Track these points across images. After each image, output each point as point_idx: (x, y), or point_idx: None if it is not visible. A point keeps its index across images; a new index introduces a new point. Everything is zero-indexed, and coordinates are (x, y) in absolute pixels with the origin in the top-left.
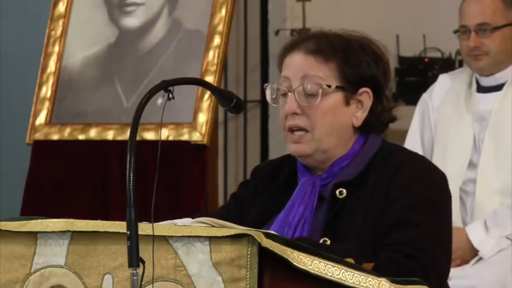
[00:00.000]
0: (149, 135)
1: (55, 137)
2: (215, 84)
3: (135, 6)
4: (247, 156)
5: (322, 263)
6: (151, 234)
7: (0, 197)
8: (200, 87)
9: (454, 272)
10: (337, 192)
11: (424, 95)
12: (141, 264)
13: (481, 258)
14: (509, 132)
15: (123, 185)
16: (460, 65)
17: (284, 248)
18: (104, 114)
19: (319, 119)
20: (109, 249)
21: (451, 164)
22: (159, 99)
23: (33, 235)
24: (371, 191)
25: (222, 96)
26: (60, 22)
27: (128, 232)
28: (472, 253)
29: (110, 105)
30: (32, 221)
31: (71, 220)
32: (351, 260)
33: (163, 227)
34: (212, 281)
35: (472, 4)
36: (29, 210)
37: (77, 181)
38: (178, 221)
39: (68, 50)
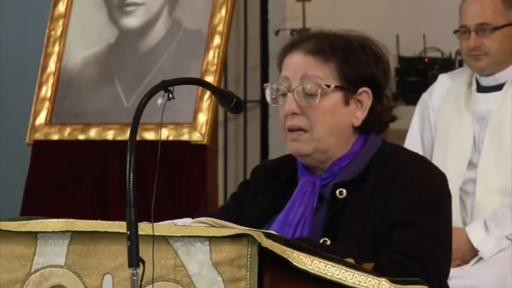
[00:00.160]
0: (149, 135)
1: (55, 137)
2: (215, 84)
3: (135, 6)
4: (247, 156)
5: (322, 263)
6: (151, 234)
7: (0, 197)
8: (200, 87)
9: (454, 272)
10: (337, 192)
11: (424, 95)
12: (141, 264)
13: (481, 258)
14: (509, 132)
15: (123, 185)
16: (460, 65)
17: (284, 248)
18: (104, 114)
19: (318, 119)
20: (109, 249)
21: (451, 164)
22: (159, 99)
23: (33, 235)
24: (371, 191)
25: (222, 96)
26: (60, 22)
27: (128, 232)
28: (472, 253)
29: (110, 105)
30: (32, 221)
31: (71, 220)
32: (351, 260)
33: (163, 227)
34: (212, 281)
35: (472, 4)
36: (29, 210)
37: (77, 181)
38: (178, 221)
39: (68, 50)
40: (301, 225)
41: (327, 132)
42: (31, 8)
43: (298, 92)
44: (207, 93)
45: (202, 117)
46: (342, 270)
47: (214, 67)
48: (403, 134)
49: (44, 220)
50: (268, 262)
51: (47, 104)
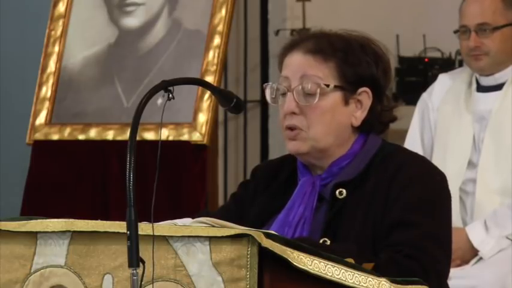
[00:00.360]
0: (149, 135)
1: (55, 137)
2: (215, 84)
3: (135, 6)
4: (247, 156)
5: (322, 263)
6: (151, 234)
7: (0, 197)
8: (200, 87)
9: (454, 272)
10: (337, 192)
11: (424, 95)
12: (141, 264)
13: (481, 258)
14: (509, 131)
15: (123, 185)
16: (460, 65)
17: (284, 248)
18: (104, 114)
19: (317, 118)
20: (109, 249)
21: (450, 164)
22: (159, 99)
23: (33, 235)
24: (371, 191)
25: (222, 96)
26: (60, 22)
27: (128, 232)
28: (472, 253)
29: (110, 105)
30: (32, 221)
31: (71, 220)
32: (351, 260)
33: (163, 227)
34: (212, 281)
35: (472, 4)
36: (29, 210)
37: (77, 181)
38: (178, 221)
39: (68, 50)
40: (301, 225)
41: (325, 131)
42: (31, 8)
43: (298, 92)
44: (207, 93)
45: (202, 117)
46: (342, 270)
47: (214, 67)
48: (403, 134)
49: (44, 220)
50: (268, 262)
51: (47, 104)
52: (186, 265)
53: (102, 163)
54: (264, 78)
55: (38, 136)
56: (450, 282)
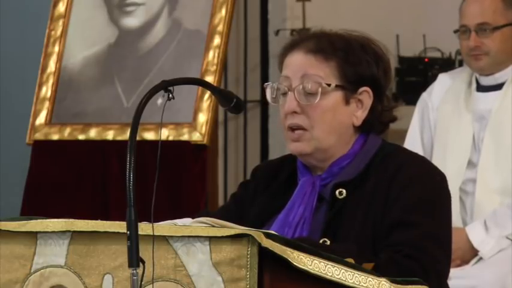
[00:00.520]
0: (149, 135)
1: (55, 137)
2: (215, 84)
3: (135, 6)
4: (247, 156)
5: (322, 263)
6: (151, 234)
7: (0, 197)
8: (200, 87)
9: (454, 272)
10: (337, 192)
11: (424, 95)
12: (141, 264)
13: (481, 258)
14: (509, 131)
15: (123, 185)
16: (460, 65)
17: (284, 248)
18: (104, 114)
19: (318, 117)
20: (109, 249)
21: (450, 164)
22: (159, 99)
23: (33, 235)
24: (371, 191)
25: (222, 96)
26: (60, 22)
27: (128, 232)
28: (472, 253)
29: (110, 105)
30: (32, 221)
31: (71, 220)
32: (351, 260)
33: (163, 227)
34: (212, 281)
35: (472, 4)
36: (29, 210)
37: (77, 181)
38: (178, 221)
39: (68, 50)
40: (301, 225)
41: (327, 131)
42: (31, 8)
43: (299, 91)
44: (207, 93)
45: (202, 117)
46: (342, 270)
47: (214, 67)
48: (403, 134)
49: (44, 220)
50: (268, 262)
51: (47, 104)
52: (186, 265)
53: (102, 163)
54: (264, 78)
55: (38, 136)
56: (450, 282)
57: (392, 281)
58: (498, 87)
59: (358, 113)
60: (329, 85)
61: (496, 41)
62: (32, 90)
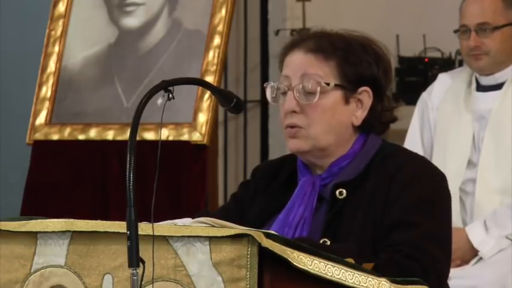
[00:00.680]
0: (149, 135)
1: (55, 137)
2: (215, 84)
3: (135, 6)
4: (247, 156)
5: (322, 263)
6: (151, 234)
7: (0, 197)
8: (200, 87)
9: (454, 272)
10: (337, 192)
11: (424, 94)
12: (141, 264)
13: (481, 258)
14: (509, 131)
15: (123, 185)
16: (460, 64)
17: (284, 248)
18: (104, 114)
19: (317, 117)
20: (109, 249)
21: (450, 164)
22: (159, 99)
23: (33, 235)
24: (371, 191)
25: (222, 96)
26: (60, 22)
27: (128, 232)
28: (472, 253)
29: (110, 105)
30: (32, 221)
31: (71, 220)
32: (351, 260)
33: (163, 227)
34: (212, 281)
35: (472, 4)
36: (29, 210)
37: (77, 181)
38: (178, 221)
39: (68, 50)
40: (301, 225)
41: (325, 130)
42: (31, 8)
43: (298, 90)
44: (207, 93)
45: (202, 117)
46: (342, 270)
47: (214, 67)
48: (403, 134)
49: (44, 220)
50: (268, 262)
51: (47, 104)
52: (186, 265)
53: (102, 163)
54: (264, 78)
55: (38, 136)
56: (450, 282)
57: (392, 281)
58: (498, 87)
59: (358, 112)
60: (328, 84)
61: (496, 41)
62: (32, 90)
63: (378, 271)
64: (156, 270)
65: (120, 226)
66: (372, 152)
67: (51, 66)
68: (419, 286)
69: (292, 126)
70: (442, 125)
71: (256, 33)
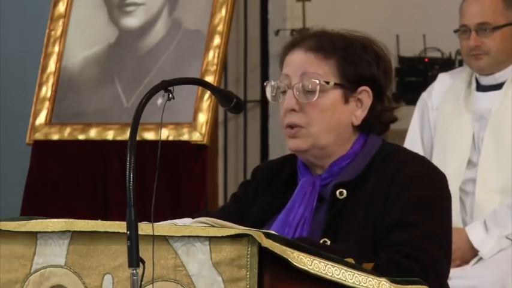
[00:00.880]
0: (149, 135)
1: (55, 137)
2: (215, 84)
3: (135, 6)
4: (247, 156)
5: (322, 263)
6: (151, 234)
7: (0, 197)
8: (200, 87)
9: (454, 272)
10: (338, 192)
11: (424, 94)
12: (141, 264)
13: (481, 258)
14: (509, 131)
15: (123, 185)
16: (460, 64)
17: (284, 248)
18: (104, 114)
19: (316, 115)
20: (109, 249)
21: (450, 164)
22: (159, 99)
23: (33, 235)
24: (371, 192)
25: (222, 96)
26: (60, 22)
27: (128, 232)
28: (472, 253)
29: (110, 105)
30: (32, 221)
31: (71, 220)
32: (351, 260)
33: (163, 227)
34: (212, 281)
35: (473, 4)
36: (29, 210)
37: (77, 181)
38: (178, 221)
39: (68, 50)
40: (301, 225)
41: (325, 129)
42: (31, 8)
43: (298, 89)
44: (207, 93)
45: (202, 117)
46: (342, 270)
47: (214, 67)
48: (403, 134)
49: (44, 220)
50: (268, 262)
51: (47, 104)
52: (186, 265)
53: (102, 163)
54: (264, 78)
55: (38, 136)
56: (450, 282)
57: (392, 281)
58: (498, 87)
59: (358, 112)
60: (328, 83)
61: (496, 41)
62: (32, 90)
63: (378, 271)
64: (156, 270)
65: (120, 226)
66: (372, 152)
67: (51, 66)
68: (419, 286)
69: (292, 126)
70: (442, 125)
71: (256, 33)
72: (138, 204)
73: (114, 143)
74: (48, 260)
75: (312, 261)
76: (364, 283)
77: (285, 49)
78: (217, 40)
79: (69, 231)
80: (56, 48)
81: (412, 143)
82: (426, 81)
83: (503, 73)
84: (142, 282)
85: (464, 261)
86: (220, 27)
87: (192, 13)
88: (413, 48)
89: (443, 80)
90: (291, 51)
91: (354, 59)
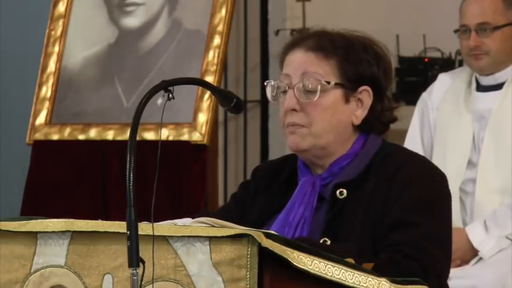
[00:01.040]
0: (149, 135)
1: (55, 137)
2: (215, 84)
3: (135, 6)
4: (247, 156)
5: (322, 263)
6: (151, 234)
7: (0, 197)
8: (200, 87)
9: (454, 272)
10: (338, 192)
11: (424, 94)
12: (141, 264)
13: (481, 258)
14: (509, 131)
15: (123, 185)
16: (460, 65)
17: (284, 248)
18: (104, 114)
19: (317, 115)
20: (109, 249)
21: (450, 164)
22: (159, 99)
23: (33, 235)
24: (371, 191)
25: (222, 96)
26: (60, 22)
27: (128, 232)
28: (472, 253)
29: (110, 105)
30: (32, 221)
31: (71, 220)
32: (351, 260)
33: (163, 227)
34: (212, 281)
35: (473, 4)
36: (29, 210)
37: (77, 181)
38: (178, 221)
39: (68, 50)
40: (301, 225)
41: (325, 128)
42: (31, 8)
43: (299, 89)
44: (207, 93)
45: (202, 117)
46: (342, 270)
47: (214, 67)
48: (403, 134)
49: (44, 220)
50: (268, 262)
51: (47, 104)
52: (186, 265)
53: (102, 163)
54: (264, 78)
55: (38, 136)
56: (450, 282)
57: (392, 281)
58: (498, 87)
59: (358, 112)
60: (328, 83)
61: (496, 41)
62: (32, 90)
63: (378, 271)
64: (156, 270)
65: (120, 226)
66: (372, 151)
67: (51, 66)
68: (419, 286)
69: (292, 125)
70: (442, 125)
71: (256, 33)
72: (138, 204)
73: (114, 143)
74: (48, 260)
75: (312, 261)
76: (364, 283)
77: (285, 49)
78: (217, 40)
79: (69, 231)
80: (56, 48)
81: (412, 143)
82: (426, 81)
83: (503, 73)
84: (142, 282)
85: (464, 261)
86: (220, 27)
87: (192, 13)
88: (413, 48)
89: (443, 80)
90: (291, 51)
91: (355, 59)
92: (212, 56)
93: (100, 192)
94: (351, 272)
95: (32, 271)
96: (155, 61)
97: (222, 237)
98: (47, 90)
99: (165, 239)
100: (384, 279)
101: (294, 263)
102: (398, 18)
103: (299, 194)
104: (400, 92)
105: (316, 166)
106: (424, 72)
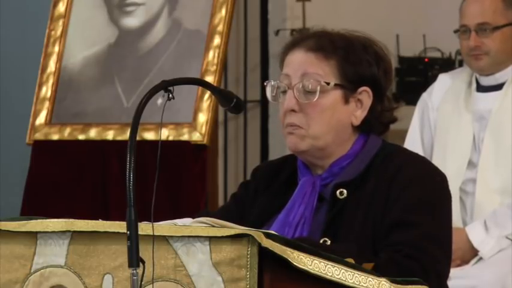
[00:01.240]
0: (149, 135)
1: (55, 137)
2: (215, 84)
3: (135, 6)
4: (247, 156)
5: (322, 263)
6: (151, 234)
7: (0, 197)
8: (200, 87)
9: (454, 272)
10: (338, 192)
11: (424, 95)
12: (141, 264)
13: (481, 258)
14: (509, 131)
15: (123, 185)
16: (460, 65)
17: (284, 248)
18: (104, 114)
19: (316, 116)
20: (109, 249)
21: (450, 164)
22: (159, 99)
23: (33, 235)
24: (371, 192)
25: (222, 96)
26: (60, 22)
27: (128, 232)
28: (472, 253)
29: (110, 105)
30: (32, 221)
31: (71, 220)
32: (351, 260)
33: (163, 227)
34: (212, 281)
35: (473, 4)
36: (29, 210)
37: (77, 181)
38: (178, 221)
39: (68, 50)
40: (301, 225)
41: (325, 129)
42: (31, 8)
43: (298, 89)
44: (207, 93)
45: (202, 117)
46: (342, 270)
47: (214, 67)
48: (403, 134)
49: (44, 220)
50: (268, 262)
51: (47, 104)
52: (186, 265)
53: (102, 163)
54: (264, 78)
55: (38, 136)
56: (450, 282)
57: (392, 281)
58: (498, 87)
59: (358, 112)
60: (328, 84)
61: (496, 41)
62: (32, 90)
63: (378, 271)
64: (156, 270)
65: (120, 226)
66: (372, 152)
67: (51, 66)
68: (419, 286)
69: (291, 126)
70: (442, 125)
71: (256, 33)
72: (138, 204)
73: (114, 143)
74: (48, 260)
75: (312, 261)
76: (364, 283)
77: (285, 49)
78: (217, 40)
79: (69, 231)
80: (56, 48)
81: (412, 143)
82: (426, 81)
83: (503, 73)
84: (142, 282)
85: (464, 261)
86: (220, 27)
87: (192, 13)
88: (413, 48)
89: (443, 80)
90: (291, 51)
91: (354, 59)
92: (212, 56)
93: (100, 192)
94: (351, 272)
95: (32, 271)
96: (155, 61)
97: (222, 237)
98: (47, 90)
99: (165, 239)
100: (384, 279)
101: (294, 263)
102: (398, 18)
103: (299, 194)
104: (400, 92)
105: (315, 166)
106: (424, 72)
